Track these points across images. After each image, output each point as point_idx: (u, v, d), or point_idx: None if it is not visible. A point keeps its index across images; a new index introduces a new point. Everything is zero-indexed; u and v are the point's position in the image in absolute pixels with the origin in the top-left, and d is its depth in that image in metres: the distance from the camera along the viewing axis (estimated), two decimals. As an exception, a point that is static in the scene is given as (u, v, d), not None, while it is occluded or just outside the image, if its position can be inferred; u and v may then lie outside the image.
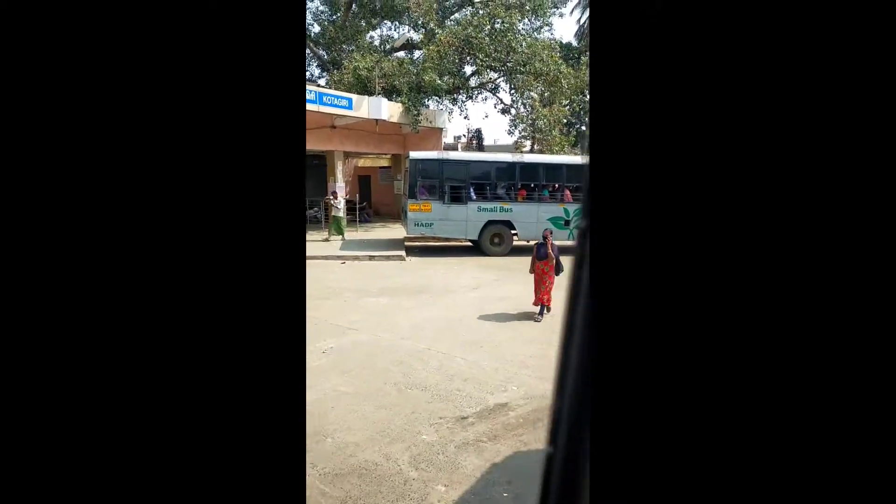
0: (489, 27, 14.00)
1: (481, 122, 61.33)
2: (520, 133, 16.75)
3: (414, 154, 10.89)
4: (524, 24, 15.91)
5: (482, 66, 14.96)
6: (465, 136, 22.66)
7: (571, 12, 29.34)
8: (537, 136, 16.44)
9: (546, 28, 16.73)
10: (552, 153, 14.25)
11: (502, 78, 16.18)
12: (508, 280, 8.35)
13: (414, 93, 13.67)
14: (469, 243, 11.54)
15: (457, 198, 10.78)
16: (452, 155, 11.78)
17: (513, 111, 16.62)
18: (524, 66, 14.09)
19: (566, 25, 44.93)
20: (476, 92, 17.63)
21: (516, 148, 16.22)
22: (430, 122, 14.38)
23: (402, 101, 13.56)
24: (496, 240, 10.90)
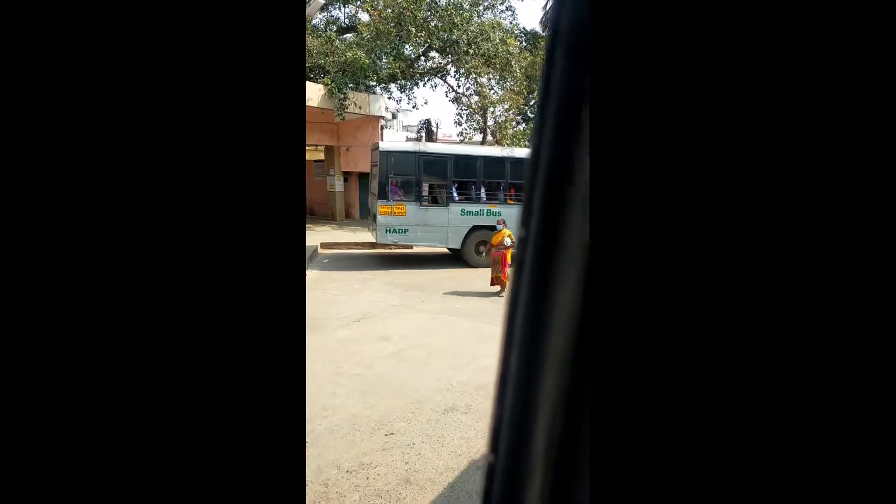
0: (428, 0, 12.07)
1: (422, 109, 59.12)
2: (470, 126, 14.93)
3: (384, 145, 8.94)
4: (483, 5, 14.07)
5: (420, 45, 13.05)
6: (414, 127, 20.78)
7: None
8: (490, 127, 14.65)
9: (508, 13, 14.93)
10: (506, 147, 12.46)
11: (451, 62, 14.32)
12: (413, 305, 6.50)
13: (343, 74, 11.67)
14: (445, 251, 9.63)
15: (436, 199, 8.91)
16: (431, 147, 9.73)
17: (463, 100, 14.78)
18: (469, 45, 12.22)
19: (532, 11, 42.58)
20: (426, 78, 15.74)
21: (462, 141, 14.38)
22: (362, 109, 12.41)
23: (324, 83, 11.56)
24: (482, 248, 8.99)
